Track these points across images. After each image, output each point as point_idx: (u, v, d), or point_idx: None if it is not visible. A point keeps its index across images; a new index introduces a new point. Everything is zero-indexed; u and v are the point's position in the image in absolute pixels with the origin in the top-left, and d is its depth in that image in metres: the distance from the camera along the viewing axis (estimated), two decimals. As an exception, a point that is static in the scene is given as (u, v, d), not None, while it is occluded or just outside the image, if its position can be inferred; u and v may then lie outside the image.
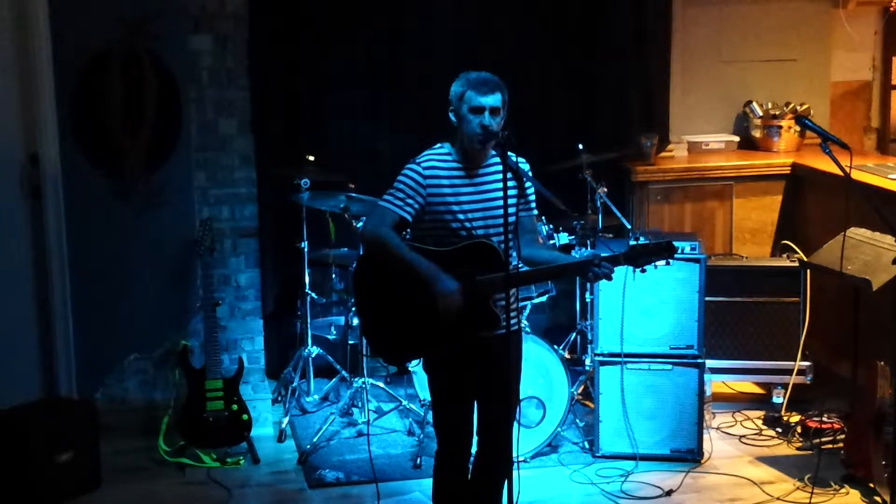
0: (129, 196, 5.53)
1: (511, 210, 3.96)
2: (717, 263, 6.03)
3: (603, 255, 3.99)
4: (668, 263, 4.04)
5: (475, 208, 4.02)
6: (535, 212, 4.22)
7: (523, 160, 4.15)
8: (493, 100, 3.98)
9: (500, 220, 3.90)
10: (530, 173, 4.14)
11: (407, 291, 3.99)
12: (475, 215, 4.02)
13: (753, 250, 6.54)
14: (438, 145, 4.11)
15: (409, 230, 4.16)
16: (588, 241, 5.73)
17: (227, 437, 5.45)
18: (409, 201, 4.00)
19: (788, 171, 6.56)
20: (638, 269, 4.04)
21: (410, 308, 4.00)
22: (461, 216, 4.01)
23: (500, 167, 3.96)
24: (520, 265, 4.13)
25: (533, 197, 4.17)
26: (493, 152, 4.03)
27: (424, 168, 4.02)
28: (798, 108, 6.75)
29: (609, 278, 3.98)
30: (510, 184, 3.98)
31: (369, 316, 4.19)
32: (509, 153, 4.02)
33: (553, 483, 5.21)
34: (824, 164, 5.65)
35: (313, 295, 6.00)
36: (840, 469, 5.18)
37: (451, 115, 4.04)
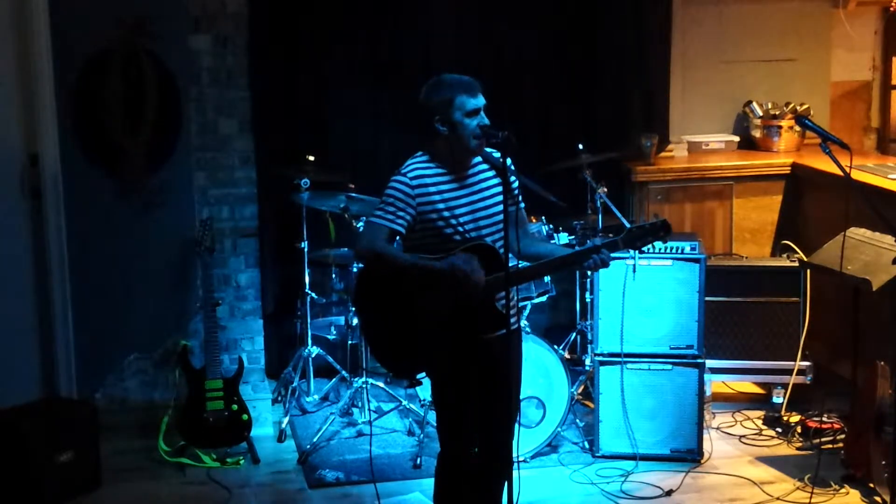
0: (129, 196, 5.53)
1: (501, 207, 3.96)
2: (717, 263, 6.03)
3: (601, 242, 3.99)
4: (664, 241, 4.02)
5: (465, 211, 4.01)
6: (522, 204, 4.20)
7: (498, 153, 4.12)
8: (483, 99, 3.98)
9: (493, 221, 3.92)
10: (513, 167, 4.12)
11: (409, 304, 3.98)
12: (466, 218, 4.00)
13: (753, 250, 6.54)
14: (418, 154, 4.07)
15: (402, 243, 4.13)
16: (588, 241, 5.73)
17: (227, 437, 5.45)
18: (401, 213, 3.97)
19: (788, 171, 6.56)
20: (636, 251, 4.03)
21: (414, 320, 3.99)
22: (453, 220, 3.99)
23: (485, 167, 3.97)
24: (518, 263, 4.12)
25: (518, 190, 4.15)
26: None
27: (411, 178, 3.99)
28: (798, 108, 6.75)
29: (606, 265, 3.98)
30: (497, 181, 3.98)
31: (375, 333, 4.17)
32: (488, 150, 4.02)
33: (553, 483, 5.21)
34: (824, 164, 5.65)
35: (313, 295, 6.00)
36: (840, 469, 5.18)
37: (438, 125, 3.97)
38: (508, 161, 4.07)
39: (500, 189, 3.95)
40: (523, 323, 5.30)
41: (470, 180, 4.04)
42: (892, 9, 6.80)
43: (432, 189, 3.99)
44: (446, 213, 3.99)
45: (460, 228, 4.00)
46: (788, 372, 5.90)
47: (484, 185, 4.03)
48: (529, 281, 5.11)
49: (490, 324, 3.99)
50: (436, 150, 4.03)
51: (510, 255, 4.01)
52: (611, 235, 5.87)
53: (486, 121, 3.95)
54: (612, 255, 4.01)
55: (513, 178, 4.10)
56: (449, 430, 4.15)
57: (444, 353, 4.04)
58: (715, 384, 5.93)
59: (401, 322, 4.03)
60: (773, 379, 5.96)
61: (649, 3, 6.60)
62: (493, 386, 4.07)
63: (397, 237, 4.02)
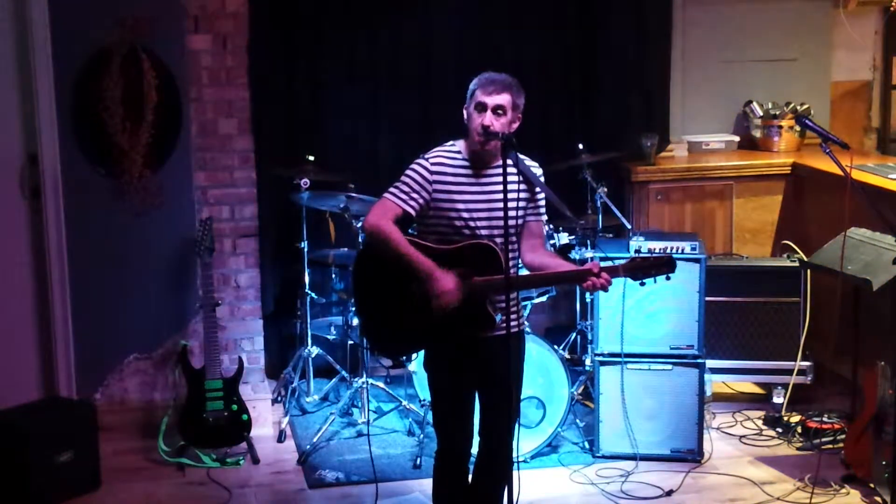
0: (129, 196, 5.53)
1: (515, 213, 3.96)
2: (717, 263, 6.03)
3: (602, 265, 3.98)
4: (667, 278, 4.02)
5: (480, 208, 4.02)
6: (545, 217, 4.21)
7: (535, 164, 4.14)
8: (499, 99, 3.97)
9: (501, 223, 3.90)
10: (542, 178, 4.14)
11: (405, 285, 4.00)
12: (479, 215, 4.01)
13: (753, 250, 6.54)
14: (450, 143, 4.10)
15: (414, 225, 4.15)
16: (588, 241, 5.73)
17: (226, 437, 5.45)
18: (414, 195, 4.00)
19: (788, 171, 6.57)
20: (637, 282, 4.04)
21: (408, 302, 4.01)
22: (465, 214, 4.01)
23: (511, 171, 3.96)
24: (520, 268, 4.13)
25: (543, 202, 4.16)
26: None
27: (432, 164, 4.02)
28: (798, 107, 6.75)
29: (605, 289, 3.97)
30: (519, 187, 3.98)
31: (367, 309, 4.20)
32: (521, 156, 4.03)
33: (553, 483, 5.21)
34: (824, 164, 5.65)
35: (313, 295, 6.00)
36: (840, 469, 5.19)
37: (464, 112, 4.05)
38: (539, 173, 4.10)
39: (518, 194, 3.97)
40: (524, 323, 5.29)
41: (489, 178, 4.04)
42: (892, 8, 6.80)
43: (451, 179, 4.01)
44: (459, 206, 4.01)
45: (471, 223, 4.01)
46: (788, 372, 5.90)
47: (500, 186, 4.01)
48: (524, 289, 5.10)
49: (478, 324, 3.99)
50: (464, 142, 4.07)
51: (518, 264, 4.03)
52: (611, 236, 5.91)
53: (489, 120, 3.95)
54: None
55: (539, 191, 4.11)
56: (442, 426, 4.18)
57: (432, 341, 4.07)
58: (715, 384, 5.93)
59: (392, 303, 4.05)
60: (773, 379, 5.96)
61: (649, 3, 6.61)
62: (492, 389, 4.08)
63: (411, 220, 4.05)
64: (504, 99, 3.98)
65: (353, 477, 5.25)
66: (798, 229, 6.45)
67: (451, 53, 6.34)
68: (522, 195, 4.04)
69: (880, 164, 6.11)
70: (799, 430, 5.64)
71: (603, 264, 3.99)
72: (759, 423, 5.84)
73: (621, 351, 5.39)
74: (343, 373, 6.05)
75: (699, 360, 5.39)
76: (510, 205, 3.85)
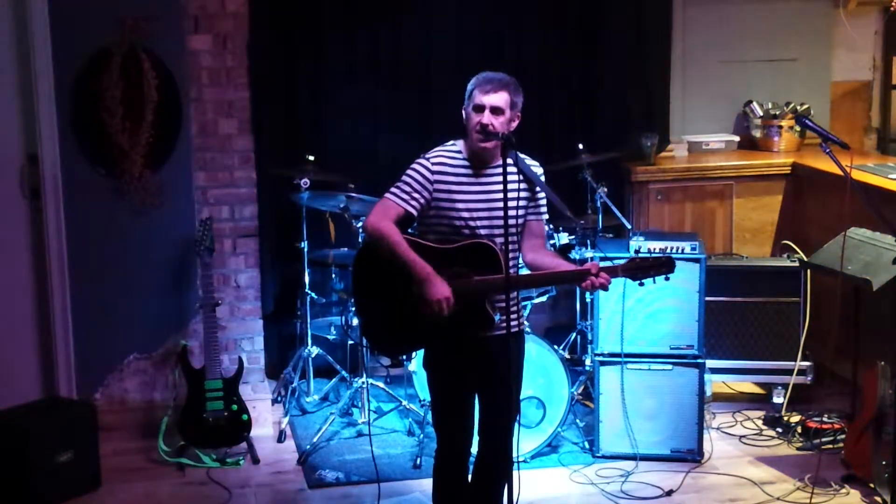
0: (128, 196, 5.53)
1: (515, 213, 3.96)
2: (717, 263, 6.03)
3: (601, 265, 3.98)
4: (666, 279, 4.03)
5: (480, 208, 4.02)
6: (546, 217, 4.21)
7: (537, 164, 4.15)
8: (496, 98, 3.97)
9: (501, 223, 3.90)
10: (543, 178, 4.14)
11: (405, 285, 4.00)
12: (479, 214, 4.02)
13: (753, 250, 6.54)
14: (451, 143, 4.11)
15: (414, 224, 4.16)
16: (588, 241, 5.73)
17: (226, 437, 5.45)
18: (415, 195, 4.00)
19: (788, 171, 6.57)
20: (636, 282, 4.04)
21: (407, 301, 4.01)
22: (465, 214, 4.01)
23: (511, 170, 3.96)
24: (520, 268, 4.14)
25: (544, 202, 4.17)
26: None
27: (433, 163, 4.03)
28: (798, 107, 6.75)
29: (605, 289, 3.98)
30: (520, 186, 3.98)
31: (367, 308, 4.20)
32: (522, 156, 4.03)
33: (553, 483, 5.21)
34: (824, 164, 5.65)
35: (313, 295, 6.00)
36: (840, 469, 5.19)
37: (463, 113, 4.06)
38: (540, 173, 4.09)
39: (518, 193, 3.97)
40: (524, 323, 5.29)
41: (489, 178, 4.04)
42: (892, 8, 6.80)
43: (451, 178, 4.02)
44: (460, 206, 4.01)
45: (471, 223, 4.01)
46: (788, 372, 5.90)
47: (500, 185, 4.01)
48: (523, 289, 5.10)
49: (477, 324, 3.99)
50: (464, 142, 4.07)
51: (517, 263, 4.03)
52: (611, 236, 5.91)
53: (487, 120, 3.95)
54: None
55: (539, 190, 4.12)
56: (442, 425, 4.18)
57: (430, 340, 4.07)
58: (715, 384, 5.93)
59: (392, 302, 4.05)
60: (773, 379, 5.96)
61: (649, 3, 6.61)
62: (492, 388, 4.08)
63: (412, 220, 4.06)
64: (502, 98, 3.98)
65: (353, 477, 5.25)
66: (798, 229, 6.45)
67: (451, 53, 6.34)
68: (523, 194, 4.05)
69: (880, 164, 6.11)
70: (799, 430, 5.64)
71: (602, 264, 4.00)
72: (759, 423, 5.84)
73: (621, 351, 5.39)
74: (343, 373, 6.06)
75: (699, 360, 5.39)
76: (510, 204, 3.85)
